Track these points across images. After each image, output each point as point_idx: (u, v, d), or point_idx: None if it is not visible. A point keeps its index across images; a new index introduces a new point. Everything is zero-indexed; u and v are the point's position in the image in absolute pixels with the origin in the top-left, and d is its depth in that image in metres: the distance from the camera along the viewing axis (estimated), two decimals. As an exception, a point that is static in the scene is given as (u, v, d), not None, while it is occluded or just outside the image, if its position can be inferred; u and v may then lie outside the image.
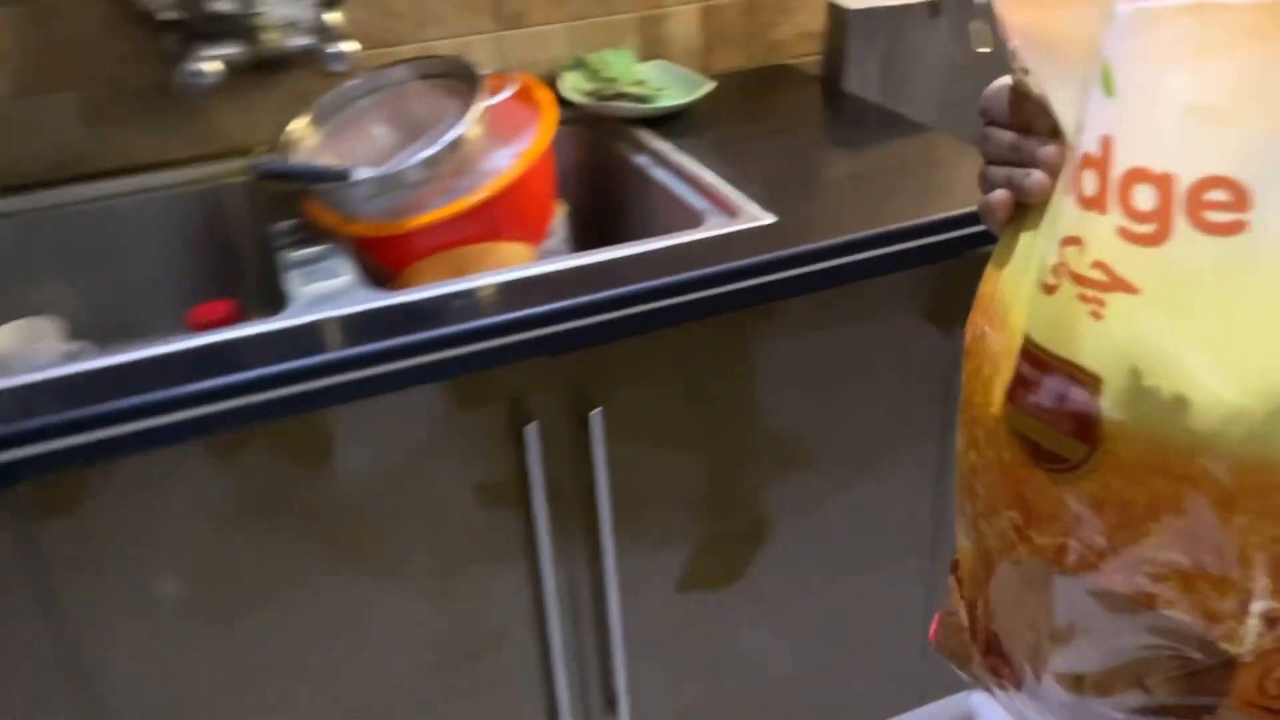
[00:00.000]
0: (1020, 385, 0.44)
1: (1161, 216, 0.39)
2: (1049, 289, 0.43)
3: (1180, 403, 0.39)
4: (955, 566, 0.54)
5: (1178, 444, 0.39)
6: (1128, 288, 0.40)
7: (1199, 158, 0.38)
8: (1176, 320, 0.39)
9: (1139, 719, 0.43)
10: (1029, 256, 0.46)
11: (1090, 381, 0.41)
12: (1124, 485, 0.41)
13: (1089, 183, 0.42)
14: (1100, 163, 0.41)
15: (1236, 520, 0.39)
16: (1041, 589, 0.45)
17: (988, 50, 1.11)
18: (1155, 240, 0.40)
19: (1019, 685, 0.48)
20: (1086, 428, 0.42)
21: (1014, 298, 0.46)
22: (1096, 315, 0.41)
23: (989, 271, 0.50)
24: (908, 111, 1.21)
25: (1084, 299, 0.41)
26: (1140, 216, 0.40)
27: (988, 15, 1.20)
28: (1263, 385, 0.37)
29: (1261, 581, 0.39)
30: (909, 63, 1.30)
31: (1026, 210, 0.48)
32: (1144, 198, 0.40)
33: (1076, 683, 0.45)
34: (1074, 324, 0.42)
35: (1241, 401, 0.38)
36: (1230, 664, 0.40)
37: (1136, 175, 0.40)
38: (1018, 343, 0.45)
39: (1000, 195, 0.48)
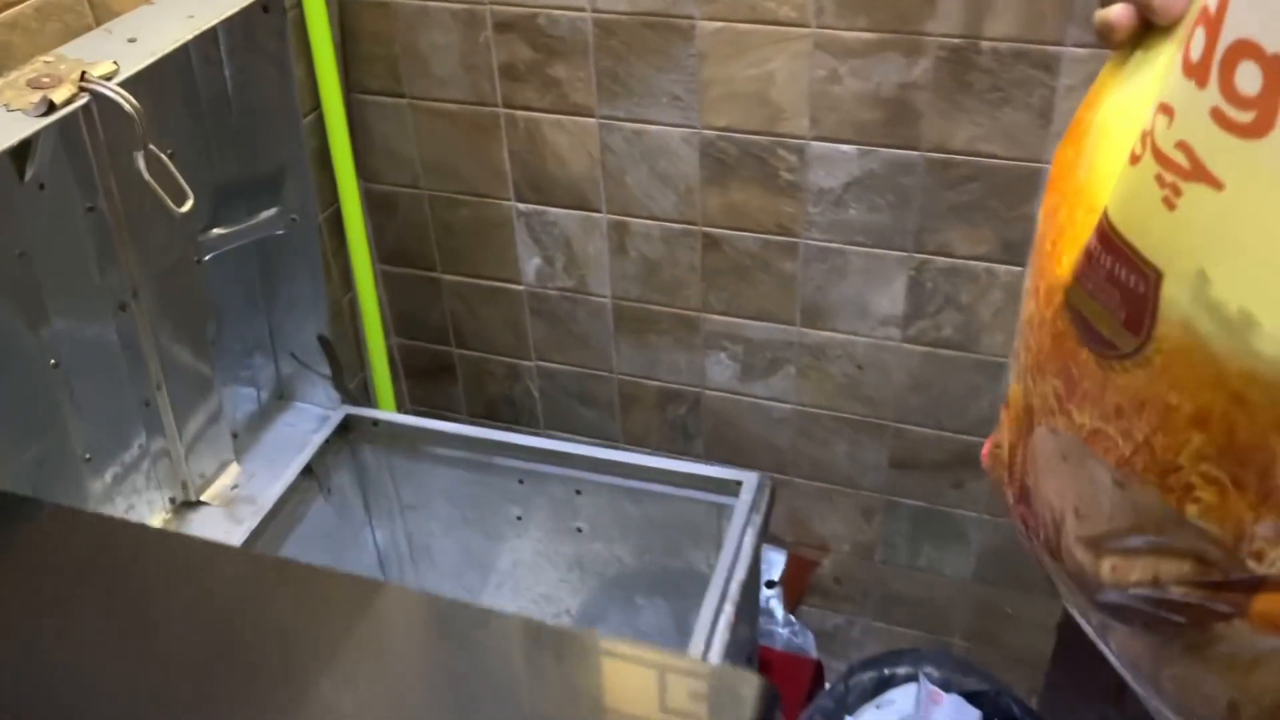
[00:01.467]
0: (1086, 257, 0.40)
1: (1265, 105, 0.33)
2: (1134, 158, 0.38)
3: (1247, 321, 0.35)
4: (1007, 402, 0.51)
5: (1237, 364, 0.35)
6: (1211, 180, 0.35)
7: None
8: (1261, 229, 0.34)
9: (1149, 608, 0.41)
10: (1135, 100, 0.41)
11: (1151, 274, 0.37)
12: (1170, 390, 0.38)
13: (1196, 44, 0.36)
14: (1212, 22, 0.35)
15: None
16: (1074, 464, 0.43)
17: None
18: (1253, 132, 0.34)
19: (1043, 544, 0.46)
20: (1139, 320, 0.38)
21: (1109, 143, 0.41)
22: (1169, 204, 0.37)
23: (1096, 87, 0.44)
24: None
25: (1160, 181, 0.37)
26: (1240, 101, 0.34)
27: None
28: None
29: None
30: None
31: (1152, 35, 0.41)
32: (1248, 79, 0.34)
33: (1093, 558, 0.43)
34: (1145, 206, 0.37)
35: None
36: (1256, 583, 0.38)
37: (1243, 49, 0.34)
38: (1100, 204, 0.40)
39: (1120, 10, 0.41)
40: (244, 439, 1.09)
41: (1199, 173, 0.36)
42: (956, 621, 1.37)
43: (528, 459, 1.10)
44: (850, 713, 1.18)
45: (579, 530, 1.13)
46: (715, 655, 0.86)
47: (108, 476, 0.93)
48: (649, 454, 1.07)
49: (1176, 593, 0.40)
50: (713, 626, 0.88)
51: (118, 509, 0.95)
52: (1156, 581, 0.40)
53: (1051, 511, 0.45)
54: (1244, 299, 0.35)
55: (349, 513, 1.17)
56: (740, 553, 0.95)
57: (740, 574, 0.93)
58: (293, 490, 1.05)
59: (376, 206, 1.30)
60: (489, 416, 1.44)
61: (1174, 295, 0.37)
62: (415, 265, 1.34)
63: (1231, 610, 0.39)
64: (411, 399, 1.48)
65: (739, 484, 1.02)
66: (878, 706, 1.21)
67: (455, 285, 1.33)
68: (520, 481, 1.11)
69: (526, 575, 1.20)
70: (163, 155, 0.75)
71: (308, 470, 1.07)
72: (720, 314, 1.23)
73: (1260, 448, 0.36)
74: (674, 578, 1.13)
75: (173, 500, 1.02)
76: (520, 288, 1.30)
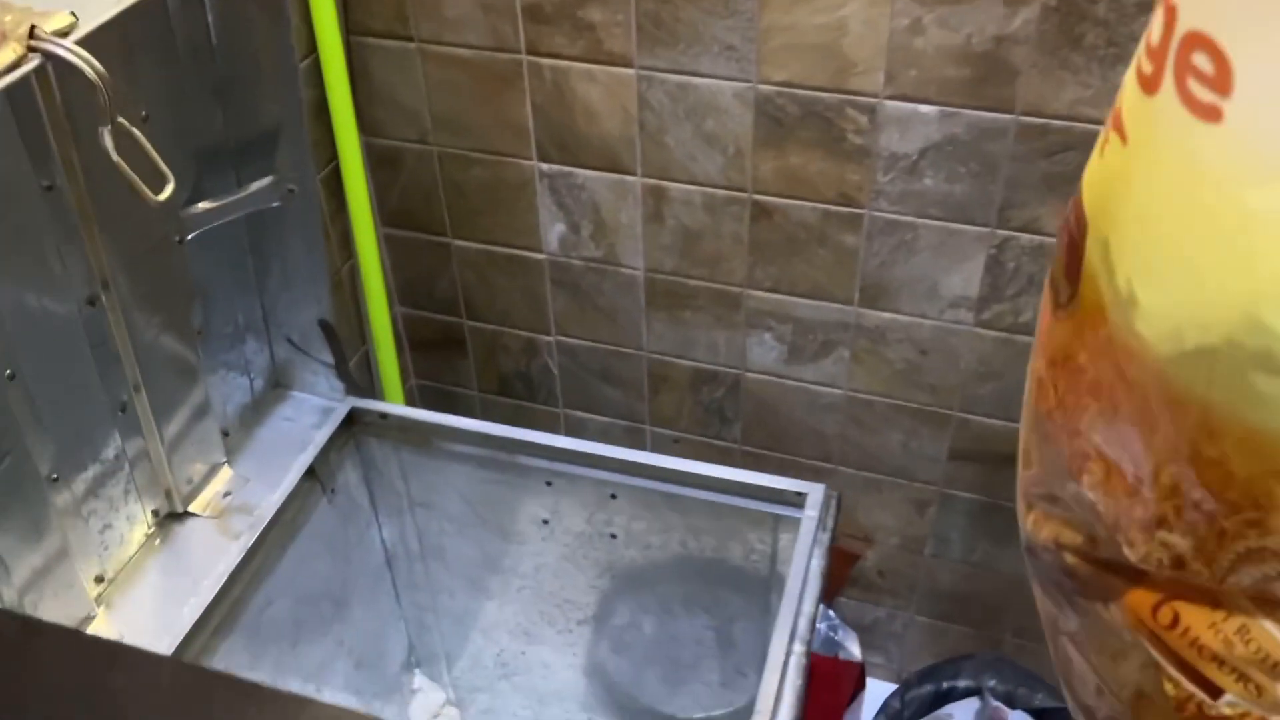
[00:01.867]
0: (1072, 200, 0.40)
1: (1159, 60, 0.32)
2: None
3: (1130, 295, 0.34)
4: None
5: (1122, 338, 0.34)
6: (1121, 131, 0.35)
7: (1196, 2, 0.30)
8: (1146, 194, 0.33)
9: (1053, 571, 0.41)
10: None
11: (1082, 223, 0.36)
12: (1081, 349, 0.37)
13: None
14: None
15: (1157, 440, 0.34)
16: (1027, 410, 0.43)
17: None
18: (1150, 87, 0.32)
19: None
20: (1075, 269, 0.37)
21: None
22: (1101, 151, 0.36)
23: None
24: None
25: (1106, 126, 0.36)
26: (1150, 51, 0.33)
27: None
28: (1175, 322, 0.31)
29: (1169, 509, 0.35)
30: None
31: None
32: (1156, 26, 0.32)
33: (1025, 508, 0.43)
34: (1095, 153, 0.37)
35: (1169, 326, 0.32)
36: (1134, 574, 0.37)
37: None
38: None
39: None
40: (236, 437, 0.96)
41: (1117, 122, 0.35)
42: (1008, 619, 1.27)
43: (558, 459, 0.97)
44: (906, 731, 1.09)
45: (612, 536, 1.01)
46: (787, 710, 0.75)
47: (78, 492, 0.80)
48: (693, 460, 0.95)
49: (1070, 561, 0.39)
50: (783, 673, 0.77)
51: (91, 529, 0.82)
52: (1058, 544, 0.40)
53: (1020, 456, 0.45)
54: (1129, 270, 0.33)
55: (354, 512, 1.05)
56: (808, 581, 0.83)
57: (809, 607, 0.82)
58: (293, 496, 0.93)
59: (378, 164, 1.15)
60: (501, 393, 1.32)
61: (1091, 250, 0.35)
62: (422, 229, 1.19)
63: (1109, 595, 0.38)
64: (416, 373, 1.35)
65: (800, 495, 0.90)
66: (934, 721, 1.11)
67: (467, 252, 1.19)
68: (549, 483, 0.99)
69: (550, 579, 1.08)
70: (133, 130, 0.61)
71: (309, 471, 0.95)
72: (767, 290, 1.10)
73: (1134, 434, 0.35)
74: (716, 590, 1.02)
75: (156, 513, 0.89)
76: (541, 256, 1.16)
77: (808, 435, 1.20)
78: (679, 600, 1.04)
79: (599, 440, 1.31)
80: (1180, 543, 0.35)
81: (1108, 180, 0.36)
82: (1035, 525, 0.42)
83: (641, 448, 1.29)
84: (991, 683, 1.08)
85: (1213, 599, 0.35)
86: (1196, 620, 0.36)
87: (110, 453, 0.82)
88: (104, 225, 0.73)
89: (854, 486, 1.21)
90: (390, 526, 1.10)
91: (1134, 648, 0.38)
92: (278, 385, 1.02)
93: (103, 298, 0.76)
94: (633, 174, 1.06)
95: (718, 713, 1.14)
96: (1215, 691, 0.36)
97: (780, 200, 1.03)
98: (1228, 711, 0.36)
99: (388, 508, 1.08)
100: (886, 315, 1.07)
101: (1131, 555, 0.37)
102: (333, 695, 1.05)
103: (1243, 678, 0.35)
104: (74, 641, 0.45)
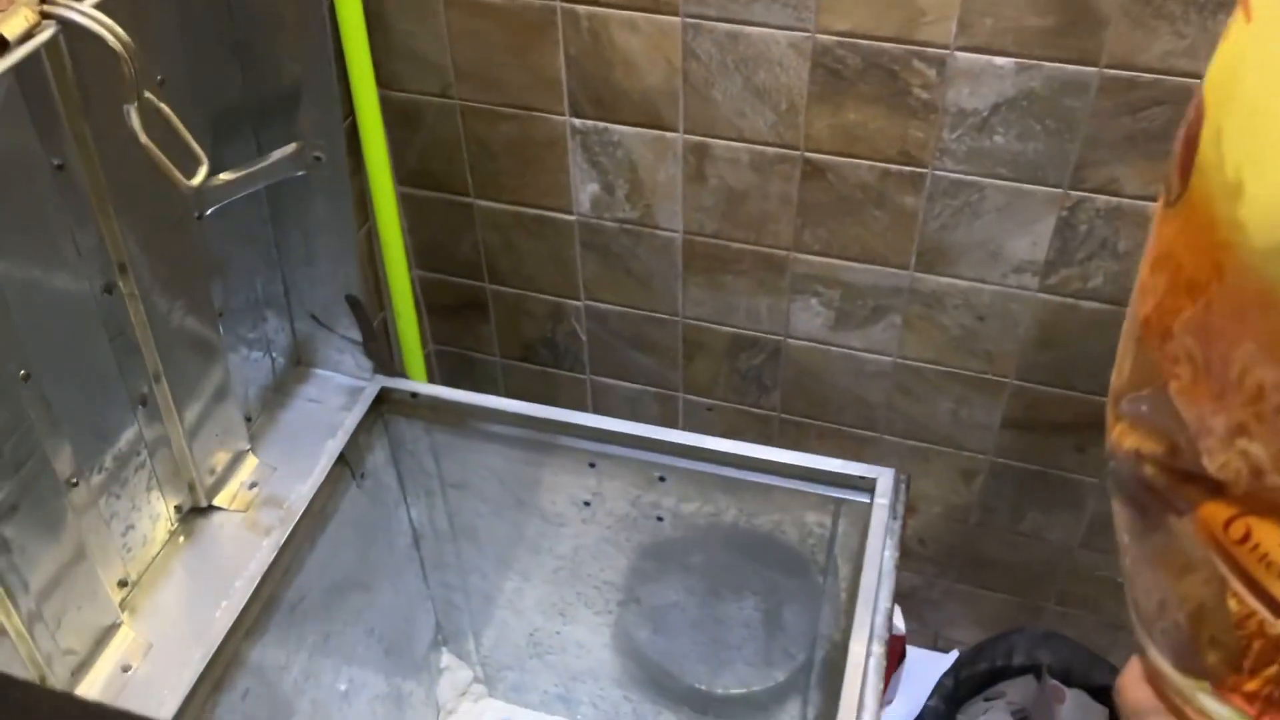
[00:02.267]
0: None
1: None
2: None
3: (1237, 186, 0.32)
4: None
5: (1224, 233, 0.33)
6: (1246, 8, 0.32)
7: None
8: (1265, 77, 0.31)
9: (1131, 483, 0.40)
10: None
11: (1199, 113, 0.34)
12: (1183, 248, 0.36)
13: None
14: None
15: (1245, 342, 0.33)
16: (1128, 316, 0.41)
17: None
18: None
19: None
20: (1188, 164, 0.35)
21: None
22: (1225, 34, 0.34)
23: None
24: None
25: (1236, 3, 0.33)
26: None
27: None
28: (1277, 212, 0.30)
29: (1250, 415, 0.34)
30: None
31: None
32: None
33: (1113, 418, 0.41)
34: (1221, 39, 0.34)
35: (1271, 216, 0.30)
36: (1212, 487, 0.36)
37: None
38: None
39: None
40: (259, 422, 0.90)
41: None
42: (1051, 587, 1.23)
43: (602, 441, 0.92)
44: (961, 710, 1.05)
45: (659, 519, 0.96)
46: (870, 717, 0.71)
47: (97, 493, 0.73)
48: (747, 442, 0.89)
49: (1149, 473, 0.39)
50: (864, 678, 0.72)
51: (113, 532, 0.76)
52: (1140, 455, 0.39)
53: None
54: (1239, 156, 0.32)
55: (382, 494, 0.99)
56: (883, 577, 0.78)
57: (885, 603, 0.77)
58: (323, 484, 0.86)
59: (395, 119, 1.07)
60: (525, 360, 1.25)
61: (1205, 141, 0.33)
62: (442, 189, 1.12)
63: (1184, 507, 0.37)
64: (435, 338, 1.28)
65: (866, 480, 0.85)
66: (985, 699, 1.08)
67: (491, 213, 1.12)
68: (592, 465, 0.93)
69: (589, 561, 1.03)
70: (162, 105, 0.53)
71: (338, 458, 0.89)
72: (816, 254, 1.03)
73: (1224, 334, 0.34)
74: (767, 573, 0.97)
75: (179, 509, 0.83)
76: (571, 218, 1.09)
77: (851, 404, 1.14)
78: (727, 583, 0.99)
79: (627, 408, 1.26)
80: (1259, 452, 0.35)
81: (1228, 64, 0.34)
82: (1120, 436, 0.41)
83: (674, 416, 1.24)
84: (1048, 660, 1.05)
85: None
86: (1268, 536, 0.36)
87: (130, 449, 0.76)
88: (120, 205, 0.66)
89: (898, 455, 1.16)
90: (419, 507, 1.04)
91: (1202, 563, 0.38)
92: (300, 363, 0.95)
93: (120, 284, 0.69)
94: (674, 130, 0.99)
95: (758, 688, 1.10)
96: (1278, 609, 0.36)
97: (835, 159, 0.96)
98: None
99: (417, 488, 1.02)
100: (944, 280, 1.01)
101: (1210, 465, 0.36)
102: (362, 682, 1.01)
103: None
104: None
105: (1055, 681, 1.03)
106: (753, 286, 1.08)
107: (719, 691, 1.13)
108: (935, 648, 1.35)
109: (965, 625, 1.30)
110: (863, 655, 0.73)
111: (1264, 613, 0.36)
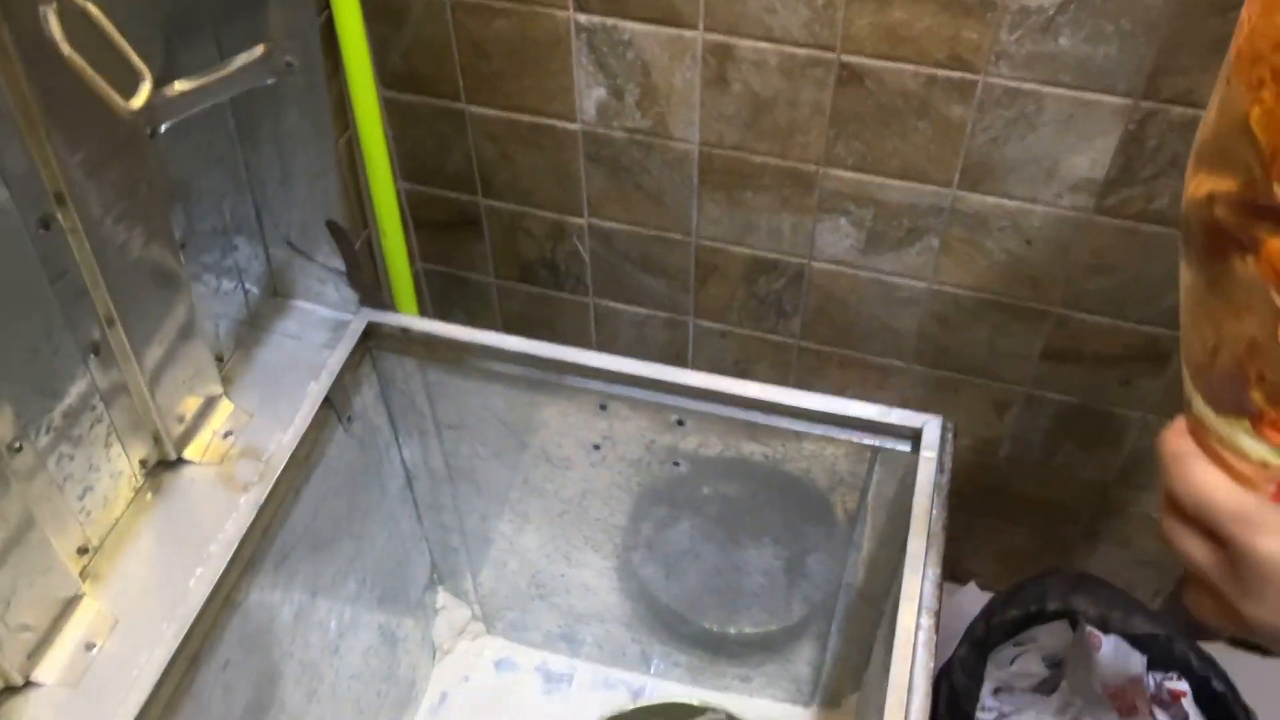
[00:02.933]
0: None
1: None
2: None
3: None
4: None
5: None
6: None
7: None
8: None
9: (1200, 231, 0.42)
10: None
11: None
12: None
13: None
14: None
15: None
16: (1225, 62, 0.41)
17: None
18: None
19: None
20: None
21: None
22: None
23: None
24: None
25: None
26: None
27: None
28: None
29: None
30: None
31: None
32: None
33: (1193, 170, 0.43)
34: None
35: None
36: (1278, 218, 0.37)
37: None
38: None
39: None
40: (233, 363, 0.81)
41: None
42: (1081, 523, 1.17)
43: (614, 382, 0.83)
44: (991, 657, 0.99)
45: (675, 465, 0.88)
46: (920, 696, 0.64)
47: (46, 456, 0.64)
48: (774, 385, 0.81)
49: (1220, 214, 0.40)
50: (914, 654, 0.65)
51: (67, 496, 0.67)
52: (1212, 198, 0.40)
53: None
54: None
55: (372, 436, 0.90)
56: (931, 539, 0.70)
57: (934, 570, 0.69)
58: (307, 432, 0.78)
59: (377, 14, 0.95)
60: (523, 280, 1.16)
61: None
62: (431, 93, 1.00)
63: (1251, 245, 0.39)
64: (423, 256, 1.18)
65: (908, 428, 0.77)
66: (1016, 644, 1.02)
67: (485, 120, 1.01)
68: (603, 407, 0.85)
69: (598, 505, 0.95)
70: (88, 6, 0.43)
71: (324, 401, 0.80)
72: (849, 169, 0.93)
73: None
74: (792, 521, 0.89)
75: (144, 463, 0.74)
76: (574, 126, 0.98)
77: (878, 332, 1.05)
78: (747, 530, 0.92)
79: (633, 334, 1.17)
80: None
81: None
82: (1197, 186, 0.42)
83: (683, 342, 1.15)
84: (1083, 606, 0.98)
85: None
86: None
87: (82, 403, 0.66)
88: (54, 124, 0.55)
89: (926, 386, 1.08)
90: (412, 448, 0.96)
91: (1260, 300, 0.39)
92: (276, 294, 0.85)
93: (59, 217, 0.59)
94: (693, 28, 0.88)
95: (774, 627, 1.04)
96: None
97: (875, 63, 0.85)
98: None
99: (409, 429, 0.93)
100: (990, 200, 0.91)
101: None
102: (354, 634, 0.94)
103: None
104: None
105: (1091, 628, 0.97)
106: (776, 204, 0.98)
107: (731, 632, 1.06)
108: (952, 579, 1.30)
109: (987, 559, 1.25)
110: (912, 629, 0.66)
111: None
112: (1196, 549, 0.43)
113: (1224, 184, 0.40)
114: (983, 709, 0.95)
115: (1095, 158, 0.85)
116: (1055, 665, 0.98)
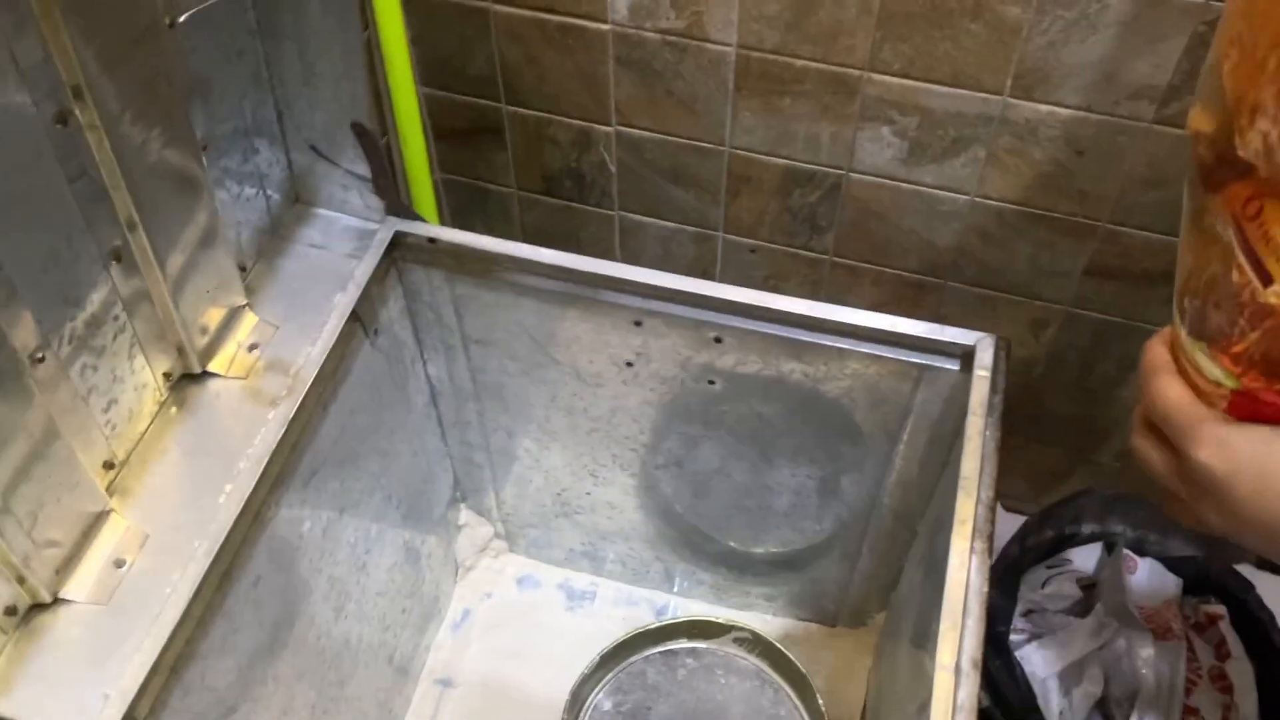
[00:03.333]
0: None
1: None
2: None
3: None
4: None
5: None
6: None
7: None
8: None
9: (1193, 168, 0.45)
10: None
11: None
12: None
13: None
14: None
15: (1272, 24, 0.38)
16: None
17: None
18: None
19: None
20: None
21: None
22: None
23: None
24: None
25: None
26: None
27: None
28: None
29: (1269, 95, 0.39)
30: None
31: None
32: None
33: (1194, 105, 0.45)
34: None
35: None
36: (1242, 167, 0.40)
37: None
38: None
39: None
40: (257, 273, 0.77)
41: None
42: (1112, 444, 1.15)
43: (650, 297, 0.80)
44: (1024, 579, 0.98)
45: (710, 383, 0.85)
46: (974, 625, 0.62)
47: (65, 363, 0.62)
48: (819, 301, 0.78)
49: (1202, 152, 0.43)
50: (968, 583, 0.63)
51: (92, 409, 0.64)
52: (1198, 135, 0.44)
53: None
54: None
55: (398, 350, 0.88)
56: (985, 462, 0.68)
57: (988, 493, 0.67)
58: (335, 346, 0.75)
59: (398, -97, 0.90)
60: (546, 193, 1.12)
61: None
62: (453, -9, 0.96)
63: (1219, 184, 0.43)
64: (442, 166, 1.14)
65: (959, 346, 0.74)
66: (1049, 566, 1.01)
67: (510, 20, 0.96)
68: (637, 323, 0.82)
69: (627, 423, 0.93)
70: None
71: (351, 315, 0.77)
72: (894, 75, 0.89)
73: (1265, 16, 0.38)
74: (829, 441, 0.87)
75: (168, 376, 0.71)
76: (605, 27, 0.94)
77: (916, 247, 1.02)
78: (780, 450, 0.90)
79: (659, 248, 1.13)
80: (1272, 131, 0.39)
81: None
82: (1192, 119, 0.45)
83: (712, 257, 1.12)
84: (1119, 528, 0.97)
85: None
86: (1274, 216, 0.40)
87: (104, 311, 0.64)
88: (71, 10, 0.51)
89: (962, 303, 1.05)
90: (437, 364, 0.93)
91: (1222, 236, 0.43)
92: (299, 201, 0.82)
93: (77, 112, 0.55)
94: (735, -79, 0.83)
95: (801, 546, 1.03)
96: (1266, 280, 0.41)
97: (929, -40, 0.81)
98: (1271, 300, 0.41)
99: (435, 343, 0.90)
100: (1043, 108, 0.87)
101: (1240, 147, 0.40)
102: (380, 550, 0.92)
103: None
104: None
105: (1128, 551, 0.95)
106: (815, 112, 0.94)
107: (758, 551, 1.05)
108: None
109: (1017, 480, 1.23)
110: (965, 553, 0.64)
111: (1255, 282, 0.42)
112: (1156, 457, 0.48)
113: (1206, 124, 0.43)
114: (1014, 631, 0.94)
115: (1158, 63, 0.81)
116: (1089, 588, 0.97)
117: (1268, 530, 0.44)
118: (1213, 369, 0.46)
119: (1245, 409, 0.45)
